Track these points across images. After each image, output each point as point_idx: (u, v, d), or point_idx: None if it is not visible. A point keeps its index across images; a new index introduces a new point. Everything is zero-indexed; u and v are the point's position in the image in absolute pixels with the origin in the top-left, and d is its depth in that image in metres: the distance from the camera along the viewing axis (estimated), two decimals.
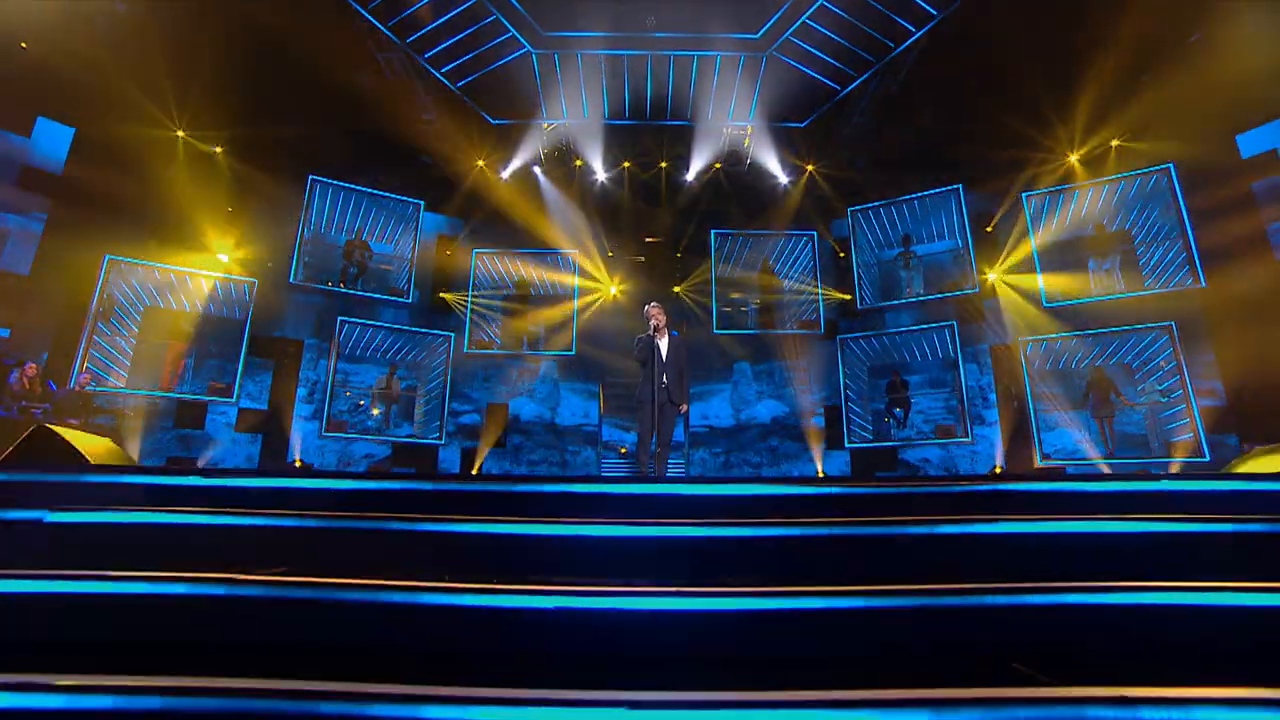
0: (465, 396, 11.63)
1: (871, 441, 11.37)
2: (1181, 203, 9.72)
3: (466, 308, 11.93)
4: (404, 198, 11.88)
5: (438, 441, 11.20)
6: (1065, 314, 10.33)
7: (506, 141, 11.78)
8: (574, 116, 11.22)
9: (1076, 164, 10.50)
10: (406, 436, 11.44)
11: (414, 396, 12.24)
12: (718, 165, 12.19)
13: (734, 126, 11.52)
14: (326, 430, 10.59)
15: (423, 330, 11.71)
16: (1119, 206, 10.71)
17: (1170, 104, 9.40)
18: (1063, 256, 11.08)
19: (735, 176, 12.34)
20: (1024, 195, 10.77)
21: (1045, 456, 10.04)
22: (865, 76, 10.19)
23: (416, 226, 11.93)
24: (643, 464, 6.06)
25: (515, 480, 4.15)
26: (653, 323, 5.98)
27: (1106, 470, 9.44)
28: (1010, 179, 10.87)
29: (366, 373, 11.83)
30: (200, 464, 9.77)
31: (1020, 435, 10.23)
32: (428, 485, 3.47)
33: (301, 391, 10.64)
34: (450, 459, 11.19)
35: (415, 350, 12.17)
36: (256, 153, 10.53)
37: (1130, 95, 9.57)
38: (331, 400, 10.83)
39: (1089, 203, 10.71)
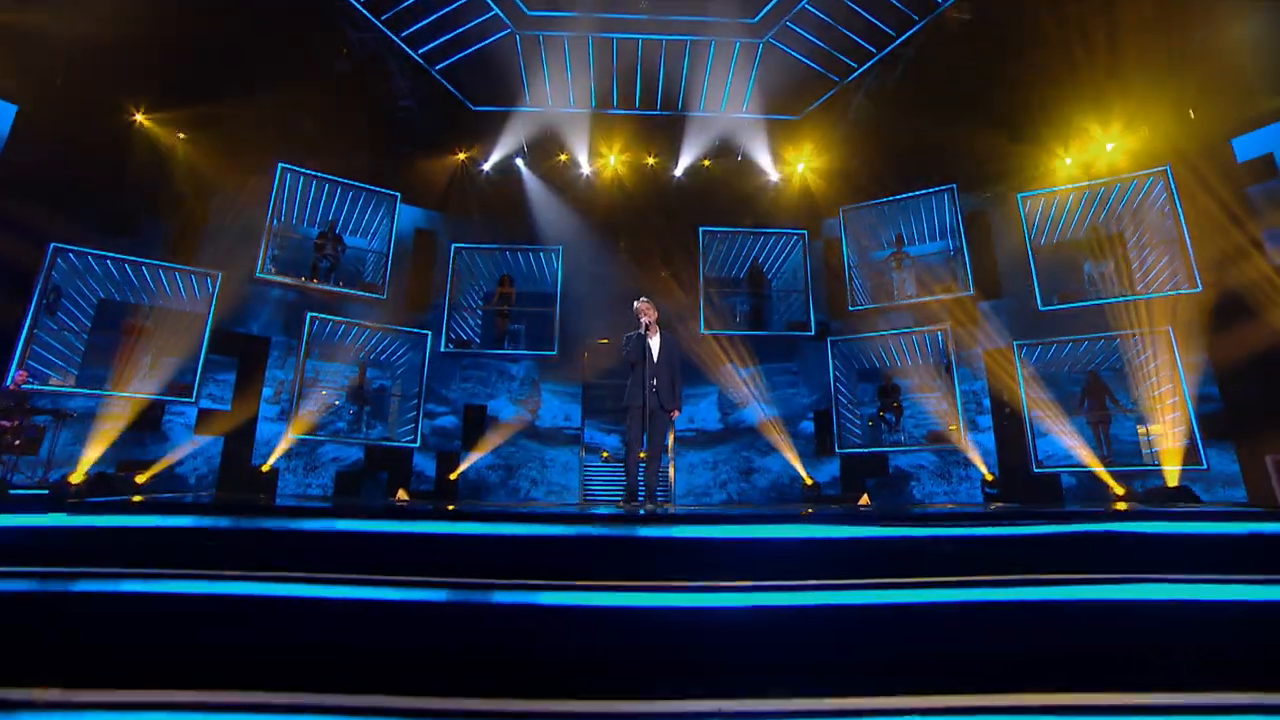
0: (441, 397, 11.09)
1: (862, 447, 11.07)
2: (1178, 206, 9.57)
3: (444, 305, 11.38)
4: (379, 189, 11.29)
5: (412, 444, 10.65)
6: (1060, 318, 10.13)
7: (488, 130, 11.28)
8: (559, 104, 10.74)
9: (1072, 165, 10.32)
10: (379, 439, 10.88)
11: (387, 397, 11.67)
12: (707, 161, 11.81)
13: (726, 118, 11.13)
14: (294, 432, 9.99)
15: (398, 328, 11.13)
16: (1114, 209, 10.57)
17: (1167, 106, 9.34)
18: (1058, 259, 10.92)
19: (726, 172, 11.97)
20: (1019, 196, 10.57)
21: (1039, 463, 9.84)
22: (865, 67, 9.88)
23: (393, 219, 11.36)
24: (630, 473, 5.61)
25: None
26: (643, 320, 5.48)
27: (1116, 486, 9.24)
28: (1005, 179, 10.67)
29: (338, 372, 11.24)
30: (156, 469, 9.13)
31: (1014, 441, 10.01)
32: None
33: (268, 391, 10.02)
34: (425, 463, 10.65)
35: (389, 349, 11.60)
36: (221, 138, 9.85)
37: (1127, 97, 9.45)
38: (300, 401, 10.22)
39: (1084, 205, 10.54)
